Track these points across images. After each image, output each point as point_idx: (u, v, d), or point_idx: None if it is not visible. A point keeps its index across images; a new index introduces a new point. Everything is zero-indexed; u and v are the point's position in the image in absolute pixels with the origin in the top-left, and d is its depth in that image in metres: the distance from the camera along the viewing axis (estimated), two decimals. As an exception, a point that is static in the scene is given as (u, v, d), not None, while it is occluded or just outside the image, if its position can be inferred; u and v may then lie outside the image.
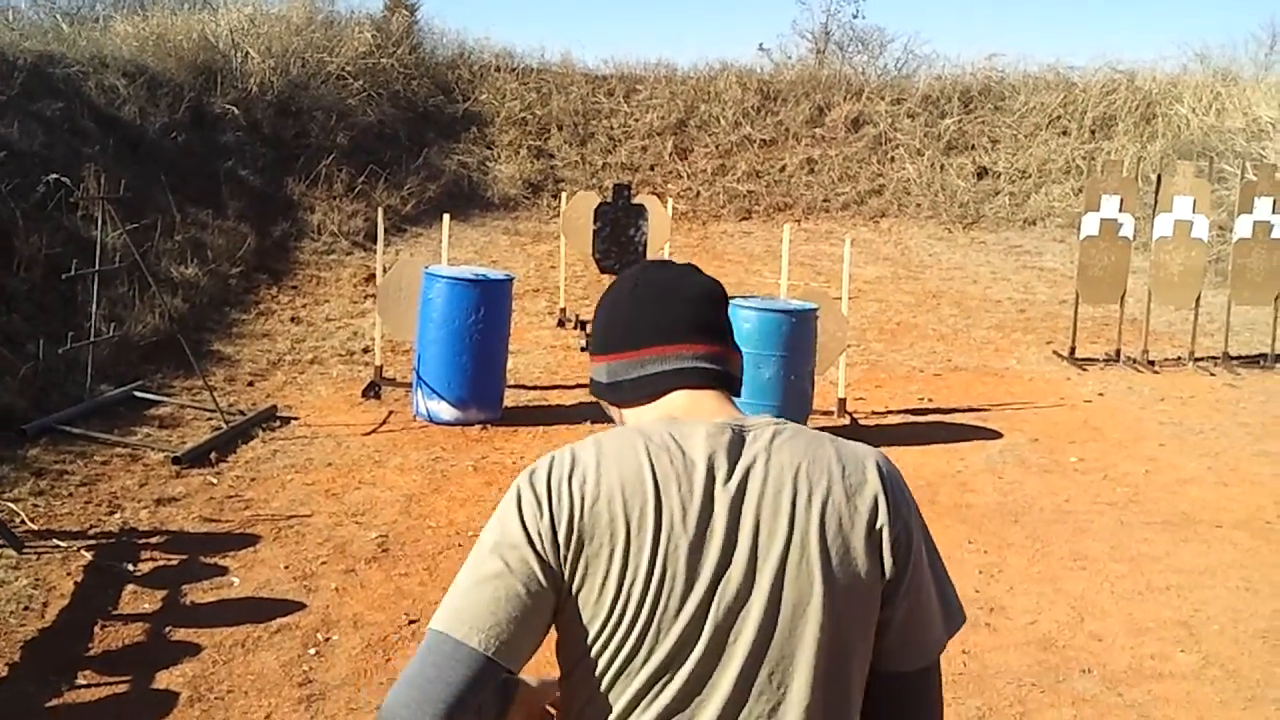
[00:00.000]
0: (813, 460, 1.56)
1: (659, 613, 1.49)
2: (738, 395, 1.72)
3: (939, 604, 1.62)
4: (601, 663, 1.51)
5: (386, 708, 1.46)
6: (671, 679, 1.50)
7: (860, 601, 1.54)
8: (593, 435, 1.61)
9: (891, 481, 1.59)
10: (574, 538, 1.50)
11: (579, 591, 1.50)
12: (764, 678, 1.51)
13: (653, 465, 1.53)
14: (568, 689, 1.58)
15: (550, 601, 1.51)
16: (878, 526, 1.54)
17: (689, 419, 1.61)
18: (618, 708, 1.52)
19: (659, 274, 1.74)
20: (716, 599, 1.50)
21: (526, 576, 1.49)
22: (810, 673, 1.51)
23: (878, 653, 1.59)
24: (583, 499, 1.51)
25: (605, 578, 1.49)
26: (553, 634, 1.57)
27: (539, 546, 1.50)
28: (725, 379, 1.70)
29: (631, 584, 1.49)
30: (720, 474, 1.53)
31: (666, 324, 1.68)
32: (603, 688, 1.52)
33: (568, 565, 1.50)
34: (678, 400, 1.66)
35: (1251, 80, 18.61)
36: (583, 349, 10.39)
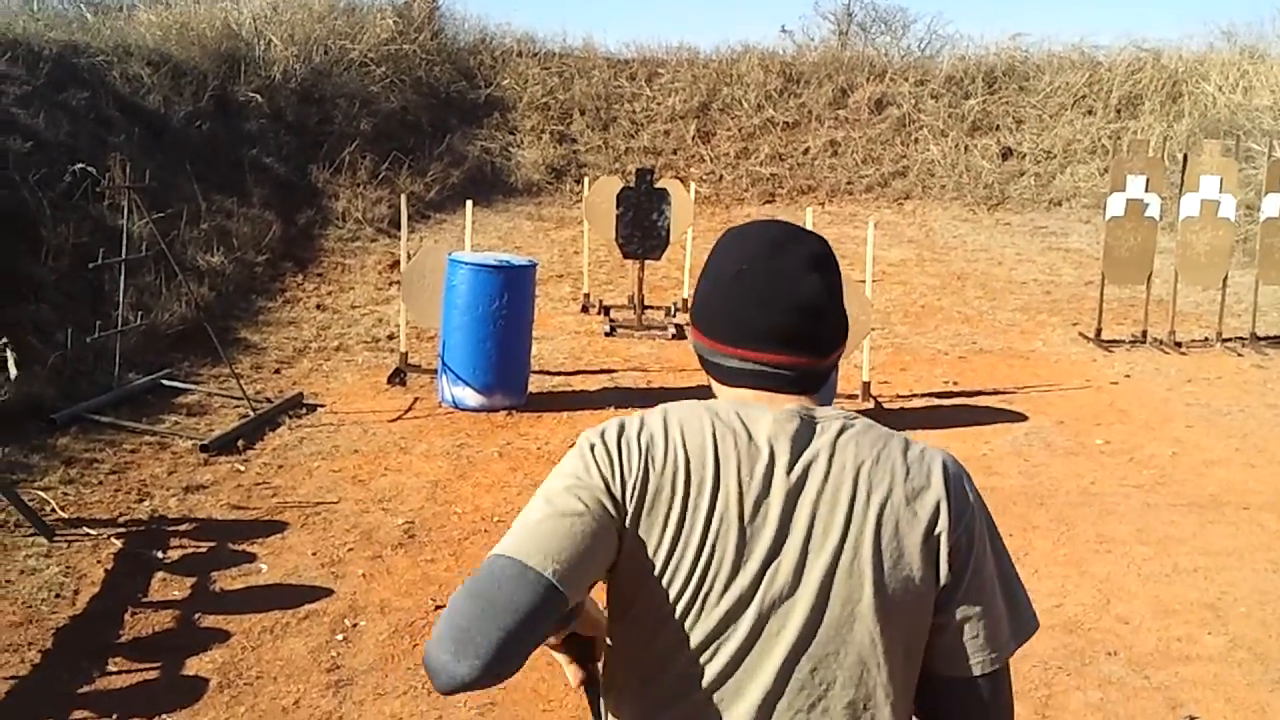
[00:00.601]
0: (876, 459, 1.55)
1: (704, 590, 1.50)
2: (816, 391, 1.66)
3: (1006, 609, 1.59)
4: (648, 622, 1.53)
5: (433, 642, 1.44)
6: (714, 657, 1.52)
7: (912, 606, 1.53)
8: (663, 405, 1.62)
9: (956, 487, 1.56)
10: (637, 495, 1.52)
11: (634, 549, 1.52)
12: (805, 673, 1.51)
13: (716, 443, 1.54)
14: (617, 635, 1.60)
15: (613, 541, 1.53)
16: (936, 532, 1.53)
17: (759, 404, 1.60)
18: (662, 673, 1.54)
19: (770, 262, 1.63)
20: (763, 587, 1.50)
21: (598, 516, 1.51)
22: (855, 672, 1.51)
23: (934, 656, 1.57)
24: (650, 460, 1.53)
25: (659, 543, 1.51)
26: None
27: (613, 490, 1.52)
28: (800, 383, 1.63)
29: (681, 556, 1.50)
30: (782, 462, 1.53)
31: (755, 330, 1.61)
32: (648, 644, 1.54)
33: (629, 521, 1.52)
34: (748, 398, 1.64)
35: (1278, 57, 18.42)
36: (607, 334, 10.41)
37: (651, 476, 1.52)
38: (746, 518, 1.51)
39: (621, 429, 1.58)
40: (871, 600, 1.50)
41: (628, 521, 1.52)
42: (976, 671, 1.57)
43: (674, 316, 10.93)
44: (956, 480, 1.57)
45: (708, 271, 1.70)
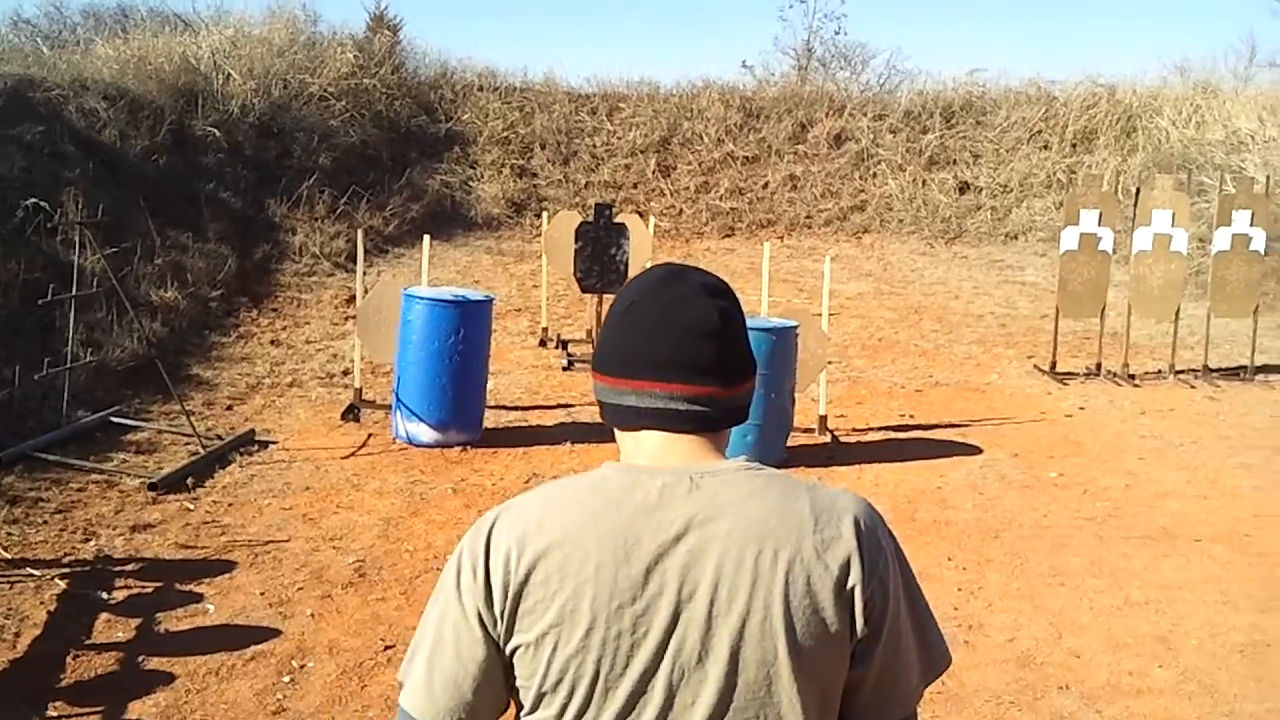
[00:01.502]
0: (782, 513, 1.48)
1: (604, 670, 1.45)
2: (737, 424, 1.62)
3: (918, 653, 1.56)
4: (551, 717, 1.48)
5: None
6: None
7: (829, 662, 1.48)
8: (542, 486, 1.58)
9: (869, 536, 1.50)
10: (510, 595, 1.47)
11: (520, 650, 1.48)
12: None
13: (597, 519, 1.48)
14: None
15: (500, 666, 1.50)
16: (849, 586, 1.47)
17: (651, 466, 1.54)
18: None
19: (661, 294, 1.61)
20: (668, 658, 1.45)
21: (475, 642, 1.49)
22: None
23: (851, 711, 1.54)
24: (520, 555, 1.47)
25: (545, 634, 1.46)
26: None
27: (479, 610, 1.48)
28: (708, 420, 1.58)
29: (570, 641, 1.45)
30: (675, 528, 1.46)
31: (649, 359, 1.57)
32: None
33: (505, 623, 1.47)
34: (650, 441, 1.58)
35: (1231, 93, 18.72)
36: (564, 368, 10.40)
37: (521, 572, 1.47)
38: (637, 590, 1.45)
39: (491, 528, 1.52)
40: (787, 659, 1.44)
41: (505, 636, 1.48)
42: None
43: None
44: (869, 530, 1.51)
45: (606, 318, 1.68)
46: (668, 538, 1.46)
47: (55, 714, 4.43)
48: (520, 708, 1.53)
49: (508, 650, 1.49)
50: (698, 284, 1.63)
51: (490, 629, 1.48)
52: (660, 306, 1.60)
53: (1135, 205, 11.16)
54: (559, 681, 1.46)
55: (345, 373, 9.73)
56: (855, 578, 1.47)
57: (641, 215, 13.55)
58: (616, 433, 1.65)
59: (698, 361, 1.57)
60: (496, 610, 1.48)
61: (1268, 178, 12.59)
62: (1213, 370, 11.01)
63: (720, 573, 1.45)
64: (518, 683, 1.50)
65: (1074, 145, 18.67)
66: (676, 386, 1.56)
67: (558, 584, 1.45)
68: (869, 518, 1.53)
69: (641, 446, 1.59)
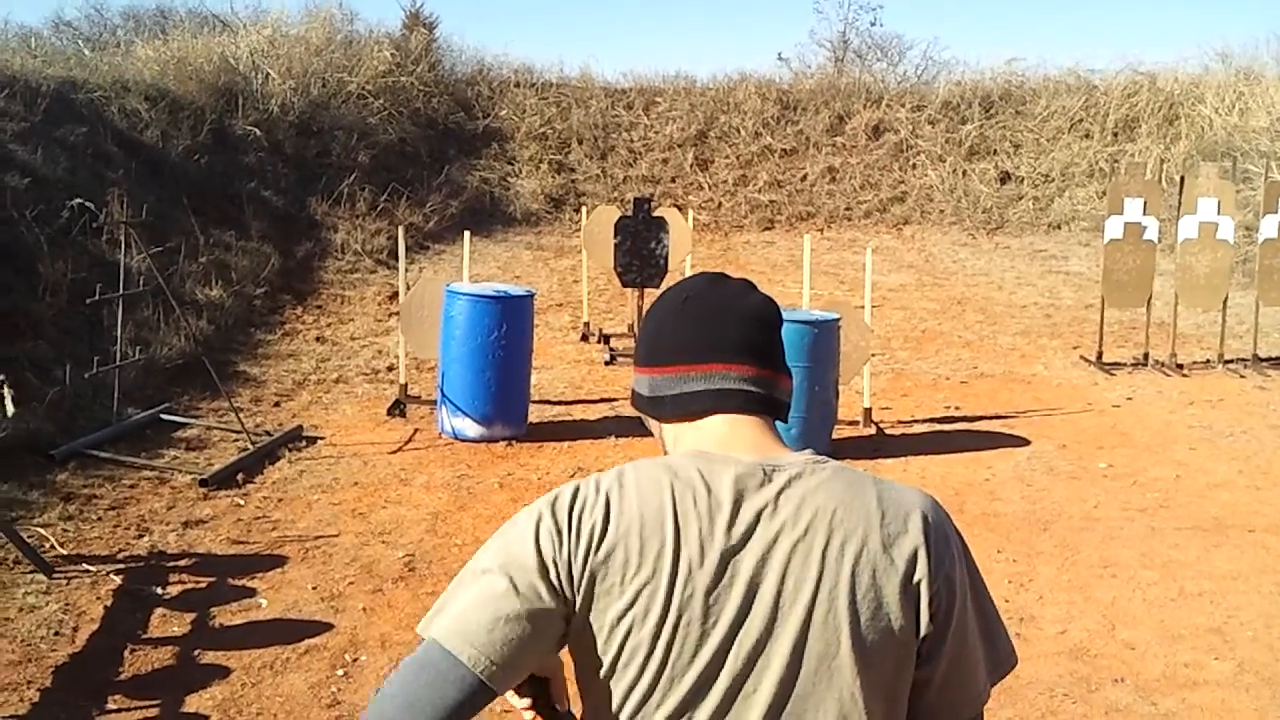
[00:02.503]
0: (849, 506, 1.48)
1: (673, 656, 1.45)
2: (785, 420, 1.66)
3: (984, 652, 1.55)
4: (616, 698, 1.48)
5: (376, 708, 1.43)
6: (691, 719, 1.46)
7: (893, 658, 1.47)
8: (618, 466, 1.57)
9: (936, 532, 1.50)
10: (588, 571, 1.46)
11: (592, 624, 1.47)
12: None
13: (675, 504, 1.48)
14: (587, 713, 1.55)
15: (557, 630, 1.48)
16: (915, 581, 1.47)
17: (722, 453, 1.55)
18: None
19: (713, 290, 1.67)
20: (735, 647, 1.45)
21: (534, 602, 1.46)
22: None
23: (919, 711, 1.53)
24: (602, 533, 1.47)
25: (620, 616, 1.46)
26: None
27: (552, 575, 1.46)
28: (770, 404, 1.62)
29: (644, 625, 1.45)
30: (747, 516, 1.47)
31: (713, 342, 1.61)
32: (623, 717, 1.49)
33: (580, 597, 1.46)
34: (716, 426, 1.59)
35: (1274, 79, 18.44)
36: (607, 363, 10.40)
37: (602, 551, 1.46)
38: (711, 579, 1.45)
39: (573, 498, 1.51)
40: (850, 653, 1.44)
41: (578, 602, 1.47)
42: None
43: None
44: (936, 525, 1.51)
45: (651, 315, 1.70)
46: (741, 529, 1.47)
47: (115, 708, 4.48)
48: (584, 683, 1.52)
49: (583, 622, 1.48)
50: (745, 284, 1.70)
51: (562, 595, 1.47)
52: (719, 297, 1.65)
53: (1180, 193, 11.04)
54: (628, 662, 1.46)
55: (390, 368, 9.78)
56: (922, 573, 1.47)
57: (680, 209, 13.54)
58: (669, 428, 1.66)
59: (759, 345, 1.63)
60: (575, 582, 1.46)
61: (1315, 164, 12.44)
62: (1262, 359, 10.88)
63: (789, 564, 1.46)
64: (586, 656, 1.49)
65: (1115, 134, 18.50)
66: (744, 368, 1.61)
67: (636, 566, 1.45)
68: (936, 514, 1.53)
69: (706, 432, 1.60)
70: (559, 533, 1.48)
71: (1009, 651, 1.59)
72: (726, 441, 1.57)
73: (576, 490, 1.53)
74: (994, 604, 1.59)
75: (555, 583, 1.46)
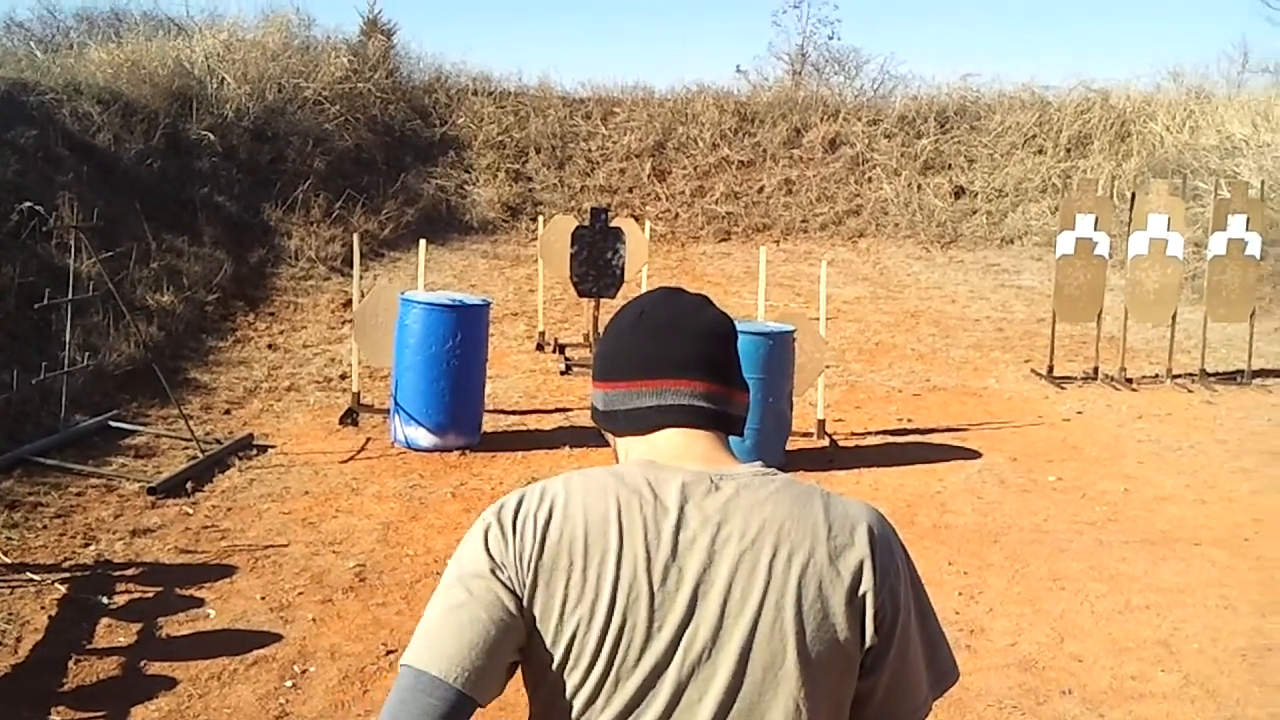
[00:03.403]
0: (797, 518, 1.50)
1: (618, 659, 1.46)
2: (739, 434, 1.68)
3: (926, 665, 1.57)
4: (564, 698, 1.49)
5: None
6: None
7: (838, 669, 1.49)
8: (566, 473, 1.59)
9: (881, 545, 1.52)
10: (533, 573, 1.47)
11: (539, 627, 1.48)
12: None
13: (620, 509, 1.49)
14: (535, 712, 1.55)
15: (518, 631, 1.49)
16: (860, 593, 1.48)
17: (672, 463, 1.56)
18: None
19: (667, 305, 1.68)
20: (680, 652, 1.46)
21: (491, 604, 1.47)
22: None
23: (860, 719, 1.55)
24: (544, 537, 1.48)
25: (561, 618, 1.47)
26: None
27: (502, 575, 1.48)
28: (722, 419, 1.64)
29: (590, 628, 1.46)
30: (693, 525, 1.49)
31: (665, 357, 1.62)
32: None
33: (527, 598, 1.48)
34: (667, 439, 1.61)
35: (1224, 98, 18.78)
36: (562, 372, 10.39)
37: (547, 552, 1.48)
38: (655, 584, 1.46)
39: (518, 506, 1.53)
40: (796, 663, 1.46)
41: (525, 603, 1.48)
42: None
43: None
44: (882, 539, 1.53)
45: (607, 334, 1.72)
46: (686, 536, 1.48)
47: (57, 719, 4.40)
48: (531, 686, 1.54)
49: (530, 623, 1.49)
50: (699, 296, 1.73)
51: (515, 595, 1.48)
52: (673, 313, 1.67)
53: (1131, 210, 11.18)
54: (574, 665, 1.47)
55: (343, 377, 9.71)
56: (867, 585, 1.49)
57: (637, 219, 13.57)
58: (622, 441, 1.68)
59: (714, 360, 1.64)
60: (523, 583, 1.48)
61: (1262, 183, 12.66)
62: (1210, 374, 11.03)
63: (735, 573, 1.47)
64: (533, 661, 1.51)
65: (1068, 150, 18.71)
66: (696, 383, 1.62)
67: (581, 569, 1.47)
68: (882, 527, 1.55)
69: (658, 446, 1.61)
70: (504, 537, 1.50)
71: (951, 665, 1.62)
72: (676, 453, 1.59)
73: (523, 496, 1.55)
74: (937, 618, 1.61)
75: (507, 583, 1.48)
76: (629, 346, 1.66)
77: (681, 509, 1.50)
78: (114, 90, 13.53)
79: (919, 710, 1.57)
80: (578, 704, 1.47)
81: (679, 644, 1.46)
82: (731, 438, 1.68)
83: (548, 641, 1.48)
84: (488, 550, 1.50)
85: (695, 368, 1.62)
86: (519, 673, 1.55)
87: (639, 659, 1.46)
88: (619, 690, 1.46)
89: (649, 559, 1.47)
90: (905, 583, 1.53)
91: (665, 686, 1.46)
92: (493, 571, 1.48)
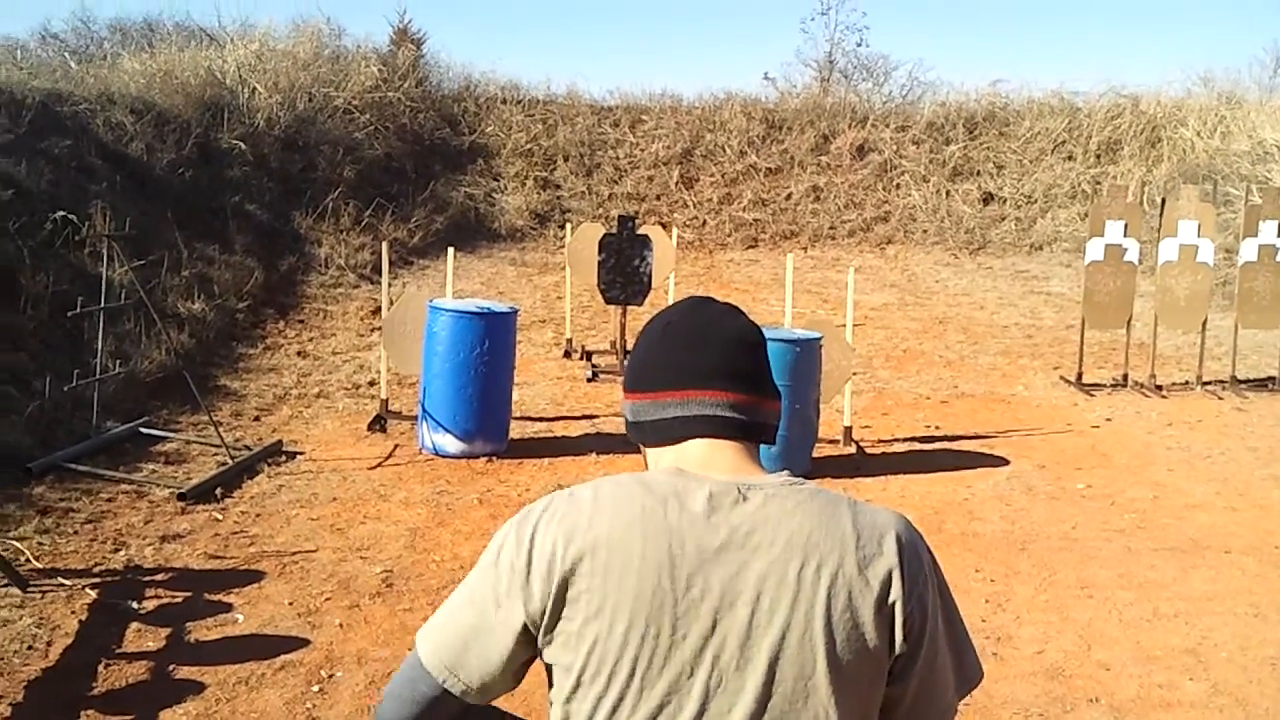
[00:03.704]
0: (825, 529, 1.51)
1: (640, 667, 1.47)
2: (770, 443, 1.68)
3: (953, 668, 1.58)
4: (586, 708, 1.50)
5: (381, 705, 1.59)
6: None
7: (867, 678, 1.50)
8: (595, 480, 1.60)
9: (909, 553, 1.53)
10: (557, 580, 1.49)
11: (559, 635, 1.50)
12: None
13: (645, 517, 1.50)
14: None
15: (529, 641, 1.52)
16: (890, 602, 1.49)
17: (699, 473, 1.57)
18: None
19: (694, 315, 1.70)
20: (705, 665, 1.47)
21: (505, 615, 1.51)
22: None
23: None
24: (568, 546, 1.50)
25: (583, 626, 1.48)
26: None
27: (522, 586, 1.50)
28: (750, 429, 1.64)
29: (610, 635, 1.47)
30: (720, 535, 1.50)
31: (692, 367, 1.63)
32: None
33: (550, 606, 1.49)
34: (695, 450, 1.62)
35: (1256, 103, 18.63)
36: (589, 379, 10.41)
37: (570, 559, 1.49)
38: (680, 593, 1.47)
39: (544, 512, 1.55)
40: (826, 673, 1.46)
41: (547, 613, 1.50)
42: None
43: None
44: (910, 547, 1.54)
45: (636, 346, 1.75)
46: (712, 546, 1.49)
47: (87, 723, 4.45)
48: (554, 693, 1.55)
49: (547, 636, 1.51)
50: (727, 307, 1.73)
51: (532, 607, 1.51)
52: (700, 323, 1.68)
53: (1161, 216, 11.11)
54: (596, 673, 1.48)
55: (371, 384, 9.77)
56: (896, 594, 1.50)
57: (665, 226, 13.58)
58: (651, 452, 1.69)
59: (741, 370, 1.65)
60: (543, 594, 1.50)
61: (1294, 188, 12.53)
62: (1240, 381, 10.94)
63: (763, 584, 1.48)
64: (556, 668, 1.53)
65: (1098, 156, 18.64)
66: (723, 394, 1.62)
67: (603, 577, 1.48)
68: (909, 535, 1.56)
69: (686, 456, 1.62)
70: (531, 544, 1.52)
71: (976, 667, 1.63)
72: (704, 463, 1.60)
73: (550, 501, 1.57)
74: (963, 621, 1.62)
75: (526, 593, 1.50)
76: (656, 357, 1.68)
77: (708, 519, 1.50)
78: (147, 100, 13.68)
79: (945, 714, 1.58)
80: (604, 709, 1.48)
81: (704, 652, 1.47)
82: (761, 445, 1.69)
83: (569, 648, 1.49)
84: (511, 559, 1.53)
85: (721, 378, 1.63)
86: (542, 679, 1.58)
87: (663, 667, 1.47)
88: (644, 699, 1.47)
89: (673, 567, 1.48)
90: (933, 590, 1.55)
91: (693, 696, 1.47)
92: (510, 580, 1.51)
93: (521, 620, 1.51)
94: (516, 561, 1.51)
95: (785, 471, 1.62)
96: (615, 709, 1.48)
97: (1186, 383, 10.99)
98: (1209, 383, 10.89)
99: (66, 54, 17.08)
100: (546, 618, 1.50)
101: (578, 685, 1.49)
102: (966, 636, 1.62)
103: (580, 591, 1.48)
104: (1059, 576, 6.27)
